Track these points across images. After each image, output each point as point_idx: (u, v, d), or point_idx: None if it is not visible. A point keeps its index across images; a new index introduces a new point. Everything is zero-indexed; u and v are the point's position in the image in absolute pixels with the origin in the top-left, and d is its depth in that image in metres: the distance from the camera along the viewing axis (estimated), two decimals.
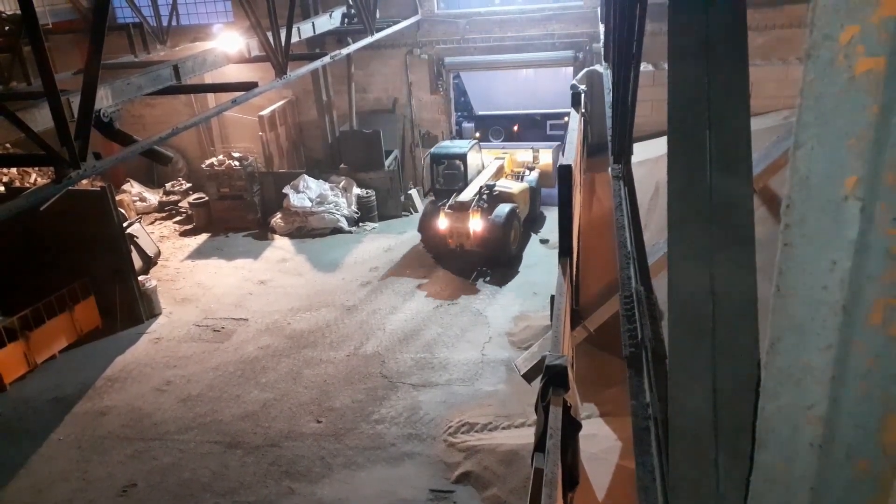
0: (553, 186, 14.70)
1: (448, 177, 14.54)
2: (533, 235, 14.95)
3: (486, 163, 15.68)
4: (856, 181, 0.93)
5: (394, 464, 8.59)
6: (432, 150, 15.02)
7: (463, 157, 14.27)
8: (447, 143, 15.38)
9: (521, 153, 16.57)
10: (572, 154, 5.11)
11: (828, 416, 1.04)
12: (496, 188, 14.10)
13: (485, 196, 13.78)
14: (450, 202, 13.64)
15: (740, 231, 1.35)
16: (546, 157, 16.22)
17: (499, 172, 15.32)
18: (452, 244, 13.62)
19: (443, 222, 13.53)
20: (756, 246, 1.34)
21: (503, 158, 16.14)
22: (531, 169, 15.81)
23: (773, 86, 7.23)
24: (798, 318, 1.01)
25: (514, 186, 14.48)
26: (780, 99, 7.14)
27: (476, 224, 13.25)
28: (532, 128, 23.16)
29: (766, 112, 7.22)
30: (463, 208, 13.37)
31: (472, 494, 7.98)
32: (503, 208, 13.37)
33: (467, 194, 13.67)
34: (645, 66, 7.15)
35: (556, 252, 4.91)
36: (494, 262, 13.42)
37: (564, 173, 4.39)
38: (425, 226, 14.02)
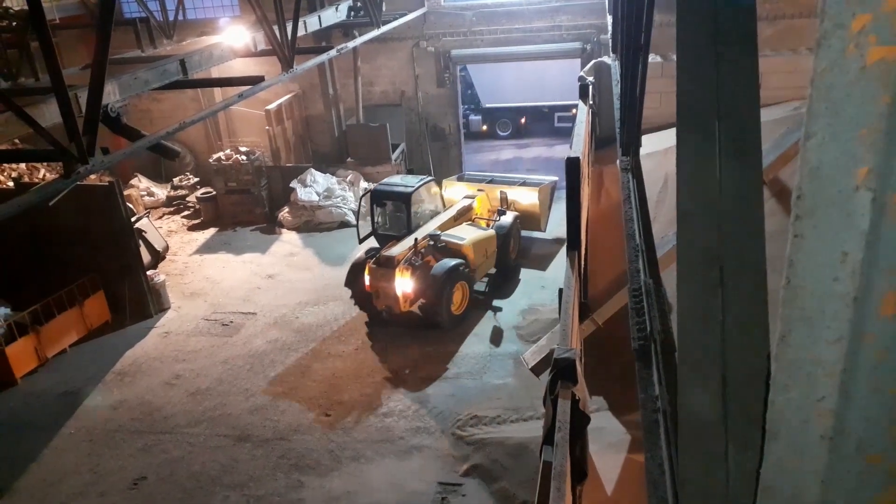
0: (539, 229, 13.80)
1: (392, 220, 12.26)
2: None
3: (460, 199, 13.41)
4: (867, 172, 0.92)
5: (402, 457, 8.62)
6: (374, 186, 12.65)
7: (406, 199, 11.71)
8: (395, 178, 12.71)
9: (511, 190, 13.88)
10: (580, 146, 5.08)
11: (838, 409, 1.04)
12: (442, 238, 11.60)
13: (422, 250, 11.29)
14: (377, 255, 11.34)
15: (750, 223, 1.34)
16: (530, 197, 13.56)
17: (463, 214, 12.80)
18: (379, 306, 11.25)
19: (368, 279, 11.20)
20: (766, 238, 1.33)
21: (473, 197, 13.43)
22: (502, 213, 13.13)
23: (782, 76, 7.17)
24: (808, 311, 1.00)
25: (470, 236, 11.86)
26: (790, 89, 7.07)
27: (404, 285, 10.88)
28: (540, 120, 23.12)
29: (776, 103, 7.16)
30: (388, 265, 10.93)
31: (480, 487, 8.00)
32: (442, 265, 10.97)
33: (401, 246, 11.34)
34: (653, 58, 7.11)
35: (563, 247, 4.90)
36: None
37: (572, 166, 4.37)
38: (353, 279, 11.59)
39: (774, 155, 5.37)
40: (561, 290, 4.19)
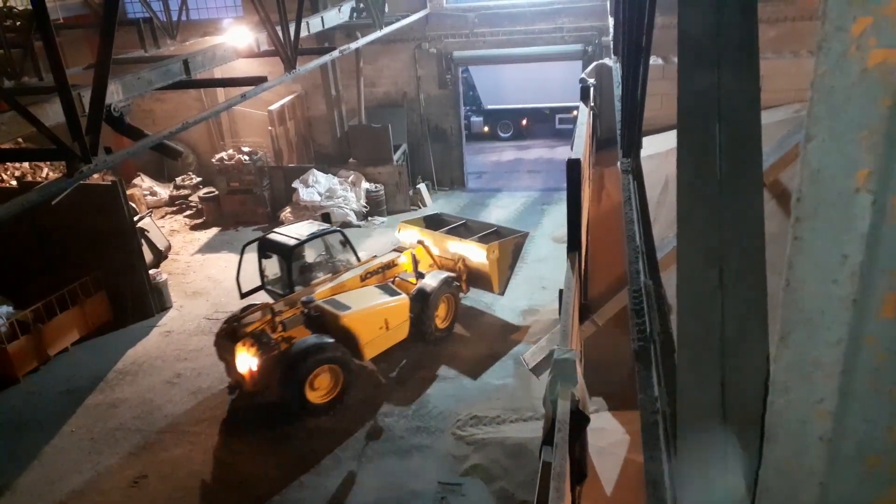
0: (491, 290, 11.24)
1: (277, 275, 10.44)
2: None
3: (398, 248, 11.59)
4: (867, 174, 0.92)
5: (402, 456, 8.62)
6: (268, 234, 10.66)
7: (287, 253, 9.84)
8: (299, 225, 10.74)
9: (463, 244, 11.08)
10: (581, 148, 5.08)
11: (838, 411, 1.04)
12: (317, 305, 9.53)
13: (285, 320, 9.37)
14: (225, 323, 9.72)
15: (750, 225, 1.34)
16: (479, 255, 10.84)
17: (381, 272, 10.70)
18: (231, 379, 9.76)
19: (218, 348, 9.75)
20: (766, 240, 1.33)
21: (402, 251, 11.36)
22: (420, 275, 10.81)
23: (784, 79, 7.16)
24: (808, 313, 1.01)
25: (364, 303, 9.78)
26: (791, 92, 7.07)
27: (248, 362, 8.99)
28: (541, 122, 23.14)
29: (777, 105, 7.16)
30: (231, 336, 9.28)
31: (480, 487, 8.00)
32: (300, 344, 9.06)
33: (258, 313, 9.55)
34: (655, 60, 7.11)
35: (563, 248, 4.91)
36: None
37: (573, 167, 4.37)
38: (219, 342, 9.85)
39: (775, 157, 5.37)
40: (561, 291, 4.19)
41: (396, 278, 10.81)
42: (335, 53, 10.33)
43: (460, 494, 7.94)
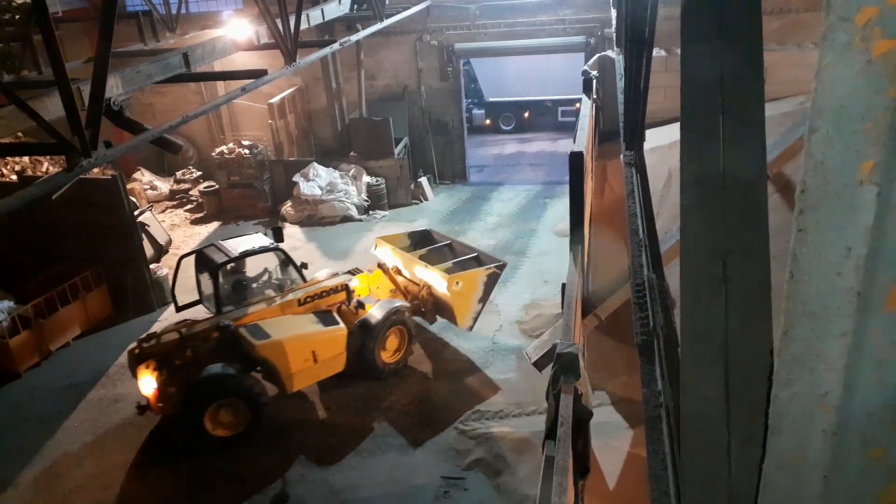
0: (457, 324, 10.16)
1: (209, 292, 9.51)
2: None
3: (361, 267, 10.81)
4: (872, 166, 0.91)
5: (405, 451, 8.64)
6: (205, 247, 9.99)
7: (214, 270, 9.07)
8: (237, 241, 9.68)
9: (428, 271, 10.00)
10: (584, 141, 5.07)
11: (841, 404, 1.04)
12: (235, 330, 8.76)
13: (195, 346, 8.74)
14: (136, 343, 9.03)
15: (754, 218, 1.34)
16: (441, 285, 9.74)
17: (324, 296, 9.60)
18: (142, 397, 8.89)
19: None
20: (769, 233, 1.33)
21: (355, 274, 10.40)
22: (360, 305, 9.65)
23: (788, 70, 7.13)
24: (812, 306, 1.00)
25: (292, 330, 8.95)
26: (795, 84, 7.04)
27: (148, 385, 8.54)
28: (543, 114, 23.09)
29: (781, 97, 7.13)
30: (135, 359, 8.75)
31: (483, 481, 8.02)
32: (206, 373, 8.43)
33: (172, 333, 8.96)
34: (657, 52, 7.08)
35: (566, 242, 4.90)
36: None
37: (576, 161, 4.36)
38: None
39: (779, 150, 5.35)
40: (564, 285, 4.19)
41: (344, 304, 9.68)
42: (336, 46, 10.31)
43: (463, 489, 7.97)
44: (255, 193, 16.82)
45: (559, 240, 14.01)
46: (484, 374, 10.04)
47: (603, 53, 9.24)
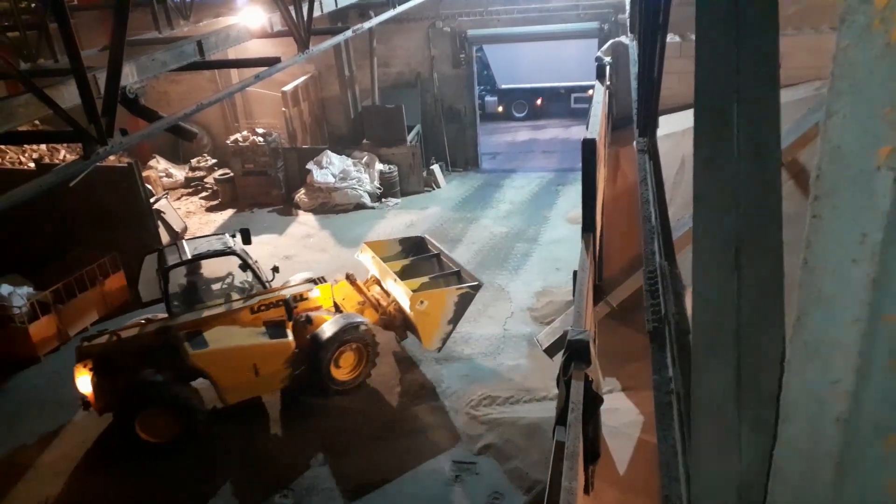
0: (424, 344, 9.44)
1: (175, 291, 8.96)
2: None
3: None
4: (890, 151, 0.90)
5: (417, 436, 8.70)
6: (165, 246, 9.80)
7: (165, 273, 8.65)
8: (198, 241, 9.42)
9: (396, 285, 9.43)
10: (597, 128, 5.04)
11: (854, 391, 1.03)
12: (175, 338, 8.48)
13: (138, 349, 8.50)
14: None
15: (767, 206, 1.33)
16: (405, 301, 9.09)
17: (276, 306, 9.00)
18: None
19: None
20: (783, 220, 1.32)
21: (316, 283, 9.81)
22: (307, 321, 9.15)
23: (804, 56, 7.03)
24: (826, 292, 1.00)
25: (234, 341, 8.62)
26: (811, 69, 6.94)
27: (83, 384, 8.47)
28: (556, 101, 22.93)
29: (797, 83, 7.04)
30: (78, 356, 8.66)
31: (493, 466, 8.07)
32: (140, 378, 8.26)
33: (127, 333, 8.82)
34: (672, 38, 7.00)
35: (578, 229, 4.88)
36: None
37: (588, 148, 4.34)
38: None
39: (794, 136, 5.29)
40: (575, 273, 4.18)
41: (305, 315, 9.18)
42: (348, 33, 10.27)
43: (474, 473, 8.02)
44: (269, 181, 16.88)
45: (571, 227, 13.97)
46: (495, 361, 10.07)
47: (616, 39, 9.16)
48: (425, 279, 9.77)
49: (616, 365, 6.40)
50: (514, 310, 11.38)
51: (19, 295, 10.99)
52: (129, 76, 5.41)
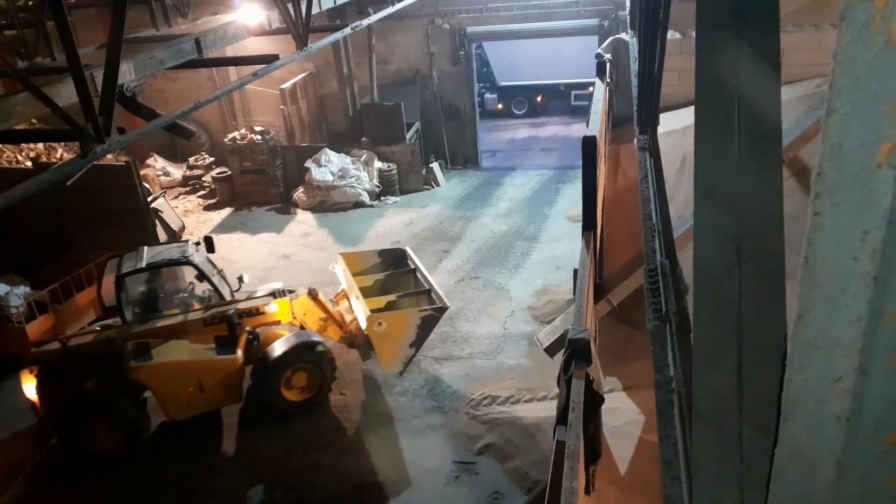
0: (383, 367, 9.01)
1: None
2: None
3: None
4: (891, 148, 0.90)
5: (417, 435, 8.70)
6: (123, 254, 9.30)
7: (119, 281, 8.61)
8: (158, 248, 9.30)
9: (358, 303, 9.02)
10: (597, 125, 5.04)
11: (856, 389, 1.03)
12: (121, 344, 8.28)
13: (75, 356, 8.34)
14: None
15: (769, 203, 1.32)
16: (363, 322, 8.61)
17: (227, 320, 8.56)
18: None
19: None
20: (784, 218, 1.31)
21: (274, 295, 9.34)
22: (252, 337, 8.72)
23: (804, 53, 7.03)
24: (827, 290, 0.99)
25: (177, 355, 8.39)
26: (812, 66, 6.94)
27: (29, 390, 8.42)
28: (556, 98, 22.92)
29: (798, 80, 7.04)
30: (26, 361, 8.63)
31: (494, 466, 8.06)
32: (84, 389, 8.09)
33: (79, 340, 8.67)
34: (672, 34, 7.00)
35: (578, 227, 4.88)
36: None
37: (589, 145, 4.33)
38: None
39: (795, 134, 5.29)
40: (576, 271, 4.18)
41: (253, 331, 8.79)
42: (347, 30, 10.26)
43: (474, 473, 8.02)
44: (267, 179, 16.86)
45: (572, 225, 13.97)
46: (495, 360, 10.07)
47: (617, 36, 9.16)
48: (393, 297, 9.36)
49: (617, 364, 6.40)
50: (515, 308, 11.38)
51: (16, 294, 10.97)
52: (127, 74, 5.40)
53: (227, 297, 9.09)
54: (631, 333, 6.59)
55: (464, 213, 15.42)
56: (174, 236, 14.74)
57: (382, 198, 16.48)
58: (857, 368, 1.01)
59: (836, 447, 1.07)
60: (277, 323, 9.07)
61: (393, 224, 15.13)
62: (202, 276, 8.79)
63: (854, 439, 1.06)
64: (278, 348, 8.63)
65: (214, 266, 9.18)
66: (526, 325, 10.81)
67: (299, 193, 16.48)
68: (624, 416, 5.89)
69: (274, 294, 9.33)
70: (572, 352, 2.85)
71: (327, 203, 16.16)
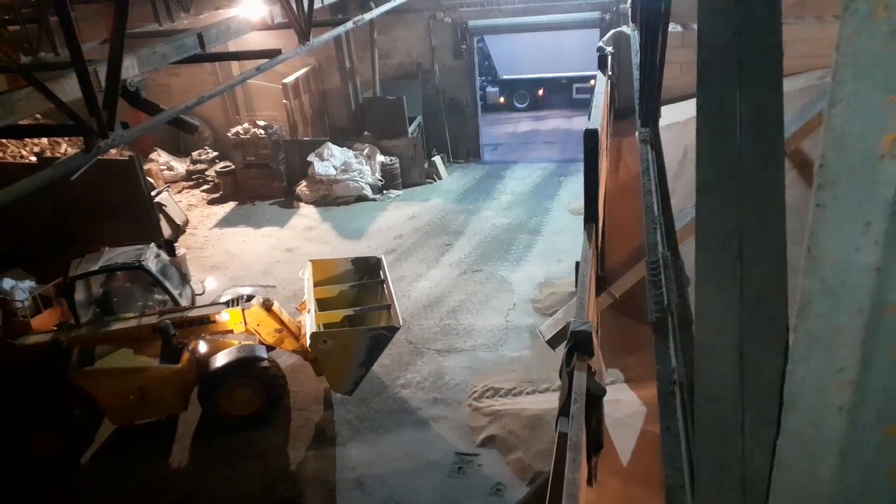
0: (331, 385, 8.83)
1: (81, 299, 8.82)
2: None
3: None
4: (894, 139, 0.90)
5: (420, 427, 8.73)
6: (84, 256, 9.25)
7: (71, 281, 8.73)
8: (117, 250, 9.07)
9: (310, 328, 8.38)
10: (599, 118, 5.03)
11: (858, 380, 1.03)
12: (64, 346, 8.28)
13: (21, 358, 8.35)
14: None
15: (770, 195, 1.32)
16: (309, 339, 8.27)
17: (190, 327, 8.53)
18: None
19: None
20: (787, 210, 1.31)
21: (224, 305, 8.78)
22: (190, 348, 8.66)
23: (807, 45, 7.00)
24: (830, 281, 0.99)
25: (119, 361, 8.32)
26: (814, 58, 6.91)
27: None
28: (558, 92, 22.85)
29: (800, 72, 7.01)
30: None
31: (496, 458, 8.09)
32: (25, 391, 8.18)
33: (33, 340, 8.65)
34: (673, 27, 6.97)
35: (580, 220, 4.88)
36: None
37: (590, 138, 4.33)
38: None
39: (797, 126, 5.28)
40: (578, 263, 4.18)
41: (192, 342, 8.70)
42: (349, 25, 10.24)
43: (477, 465, 8.05)
44: (270, 173, 16.86)
45: (573, 218, 13.96)
46: (498, 352, 10.09)
47: (618, 29, 9.12)
48: (351, 311, 9.12)
49: (619, 356, 6.41)
50: (517, 301, 11.39)
51: (21, 289, 10.99)
52: (130, 69, 5.40)
53: (188, 303, 9.00)
54: (633, 325, 6.59)
55: (466, 207, 15.42)
56: (178, 231, 14.77)
57: (385, 191, 16.48)
58: (859, 359, 1.02)
59: (838, 437, 1.08)
60: (230, 332, 8.82)
61: (395, 218, 15.13)
62: (155, 282, 8.78)
63: (855, 430, 1.06)
64: (219, 361, 8.49)
65: (180, 270, 9.06)
66: (528, 318, 10.82)
67: (302, 187, 16.48)
68: (626, 407, 5.90)
69: (229, 303, 8.88)
70: (574, 344, 2.86)
71: (330, 197, 16.17)
